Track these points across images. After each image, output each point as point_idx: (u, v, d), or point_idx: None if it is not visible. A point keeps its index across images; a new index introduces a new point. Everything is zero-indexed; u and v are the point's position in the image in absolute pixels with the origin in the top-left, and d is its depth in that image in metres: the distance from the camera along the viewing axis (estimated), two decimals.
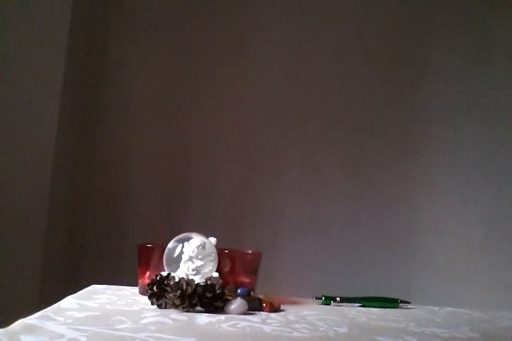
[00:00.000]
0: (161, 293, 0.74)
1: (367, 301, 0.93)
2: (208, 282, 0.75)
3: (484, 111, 1.73)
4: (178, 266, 0.79)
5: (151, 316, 0.67)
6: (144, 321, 0.64)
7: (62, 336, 0.53)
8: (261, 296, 0.80)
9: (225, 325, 0.65)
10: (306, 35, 1.76)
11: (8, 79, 1.39)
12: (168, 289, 0.73)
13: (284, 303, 0.83)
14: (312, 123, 1.74)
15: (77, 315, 0.64)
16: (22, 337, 0.52)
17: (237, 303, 0.75)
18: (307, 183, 1.72)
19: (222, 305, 0.74)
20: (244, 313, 0.74)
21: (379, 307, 0.92)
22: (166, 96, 1.72)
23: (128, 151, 1.68)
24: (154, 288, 0.74)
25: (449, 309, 0.96)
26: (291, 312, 0.79)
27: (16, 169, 1.38)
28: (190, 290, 0.73)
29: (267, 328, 0.65)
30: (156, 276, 0.76)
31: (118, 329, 0.58)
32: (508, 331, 0.80)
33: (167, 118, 1.71)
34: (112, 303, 0.76)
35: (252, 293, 0.83)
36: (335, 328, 0.68)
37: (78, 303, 0.73)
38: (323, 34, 1.76)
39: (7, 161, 1.37)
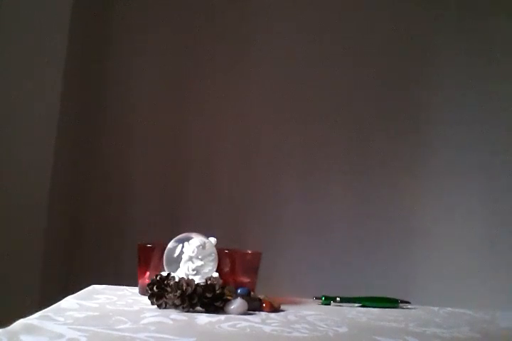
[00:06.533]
0: (161, 293, 0.74)
1: (367, 301, 0.93)
2: (208, 282, 0.75)
3: (485, 111, 1.73)
4: (178, 266, 0.79)
5: (151, 316, 0.67)
6: (144, 321, 0.64)
7: (62, 336, 0.53)
8: (261, 296, 0.80)
9: (225, 325, 0.65)
10: (306, 34, 1.76)
11: (8, 77, 1.39)
12: (168, 289, 0.73)
13: (284, 303, 0.83)
14: (312, 123, 1.74)
15: (77, 315, 0.64)
16: (22, 337, 0.52)
17: (237, 303, 0.75)
18: (307, 183, 1.72)
19: (222, 305, 0.74)
20: (244, 313, 0.74)
21: (379, 307, 0.91)
22: (166, 96, 1.72)
23: (128, 151, 1.68)
24: (154, 288, 0.74)
25: (449, 309, 0.96)
26: (291, 312, 0.79)
27: (16, 169, 1.38)
28: (190, 290, 0.73)
29: (267, 328, 0.65)
30: (156, 276, 0.76)
31: (118, 330, 0.58)
32: (508, 331, 0.80)
33: (167, 118, 1.71)
34: (112, 303, 0.76)
35: (252, 293, 0.83)
36: (335, 328, 0.68)
37: (78, 303, 0.73)
38: (323, 33, 1.76)
39: (7, 161, 1.37)
